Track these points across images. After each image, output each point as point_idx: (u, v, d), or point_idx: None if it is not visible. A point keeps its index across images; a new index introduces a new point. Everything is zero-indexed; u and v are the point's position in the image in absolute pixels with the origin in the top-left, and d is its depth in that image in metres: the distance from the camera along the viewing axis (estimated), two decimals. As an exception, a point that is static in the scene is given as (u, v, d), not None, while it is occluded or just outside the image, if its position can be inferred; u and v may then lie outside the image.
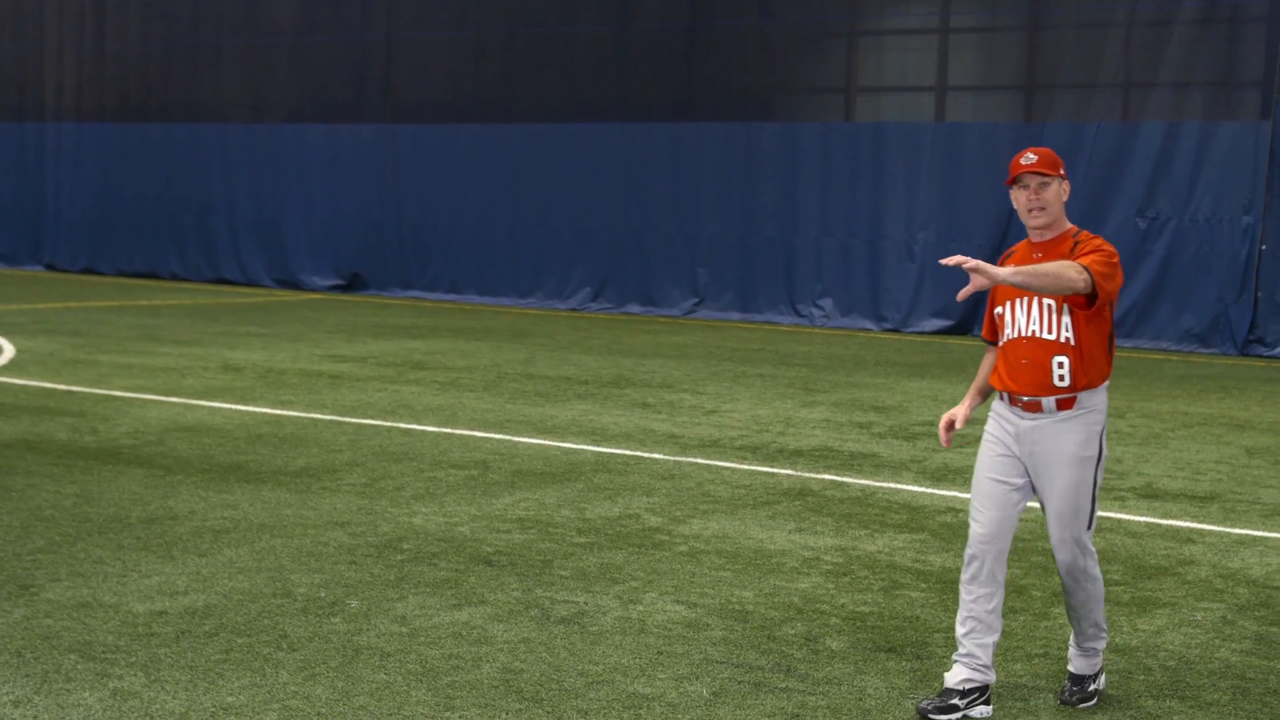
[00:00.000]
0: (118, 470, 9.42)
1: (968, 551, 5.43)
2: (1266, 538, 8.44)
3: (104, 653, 5.77)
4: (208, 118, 28.73)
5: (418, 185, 26.30)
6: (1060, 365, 5.25)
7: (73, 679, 5.47)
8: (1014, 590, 7.10)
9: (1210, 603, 7.00)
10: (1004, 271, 4.99)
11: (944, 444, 5.71)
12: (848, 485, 9.71)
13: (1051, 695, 5.62)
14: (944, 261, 4.97)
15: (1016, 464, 5.38)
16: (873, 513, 8.86)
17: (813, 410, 13.09)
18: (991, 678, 5.40)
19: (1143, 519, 8.87)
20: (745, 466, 10.23)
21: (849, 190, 22.69)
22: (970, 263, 4.88)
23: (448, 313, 23.32)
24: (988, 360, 5.68)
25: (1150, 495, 9.60)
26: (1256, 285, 19.81)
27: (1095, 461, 5.33)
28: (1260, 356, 19.52)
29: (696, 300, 23.87)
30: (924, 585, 7.16)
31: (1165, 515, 8.99)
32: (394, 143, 26.58)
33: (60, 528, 7.84)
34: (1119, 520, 8.81)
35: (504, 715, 5.23)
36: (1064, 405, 5.29)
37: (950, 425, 5.64)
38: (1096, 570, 5.44)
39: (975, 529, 5.42)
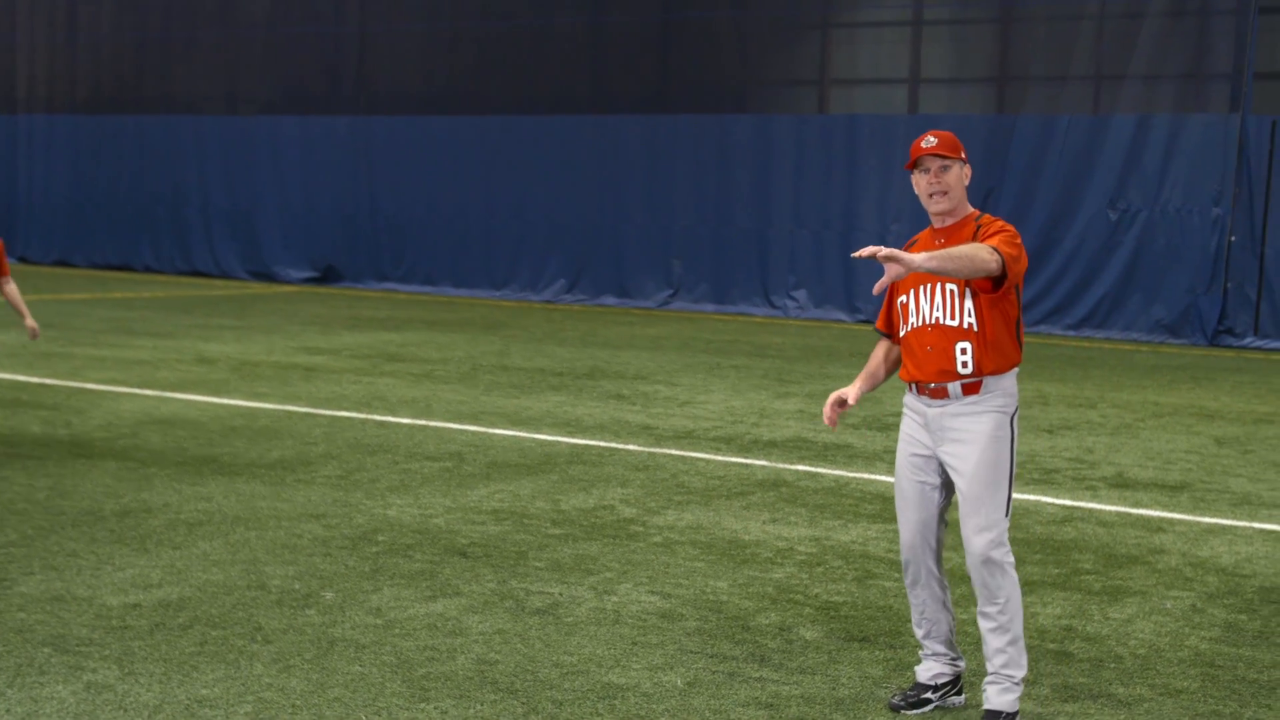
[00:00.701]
0: (91, 463, 9.40)
1: (902, 556, 5.36)
2: (1235, 526, 8.51)
3: (77, 646, 5.77)
4: (181, 110, 28.63)
5: (392, 177, 26.25)
6: (963, 352, 5.13)
7: (46, 672, 5.47)
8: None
9: (1180, 591, 7.06)
10: (918, 258, 4.86)
11: (829, 423, 5.50)
12: (821, 476, 9.75)
13: (1027, 684, 5.65)
14: (857, 254, 4.87)
15: (932, 461, 5.25)
16: (846, 503, 8.90)
17: (787, 401, 13.13)
18: (962, 666, 5.43)
19: (1114, 508, 8.93)
20: (719, 458, 10.27)
21: (823, 182, 22.75)
22: (884, 251, 4.78)
23: (422, 305, 23.29)
24: (880, 350, 5.57)
25: (1121, 485, 9.66)
26: (1226, 276, 19.93)
27: (1009, 445, 5.15)
28: (1230, 347, 19.64)
29: (671, 292, 23.90)
30: (897, 575, 7.20)
31: (1136, 504, 9.06)
32: (368, 135, 26.52)
33: (33, 521, 7.82)
34: (1090, 509, 8.88)
35: (479, 706, 5.25)
36: (970, 390, 5.15)
37: (840, 403, 5.44)
38: (1013, 572, 5.12)
39: (902, 534, 5.34)
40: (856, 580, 7.13)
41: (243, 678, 5.46)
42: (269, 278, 27.12)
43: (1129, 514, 8.80)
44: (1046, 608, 6.71)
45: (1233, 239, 19.88)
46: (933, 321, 5.20)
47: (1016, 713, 5.12)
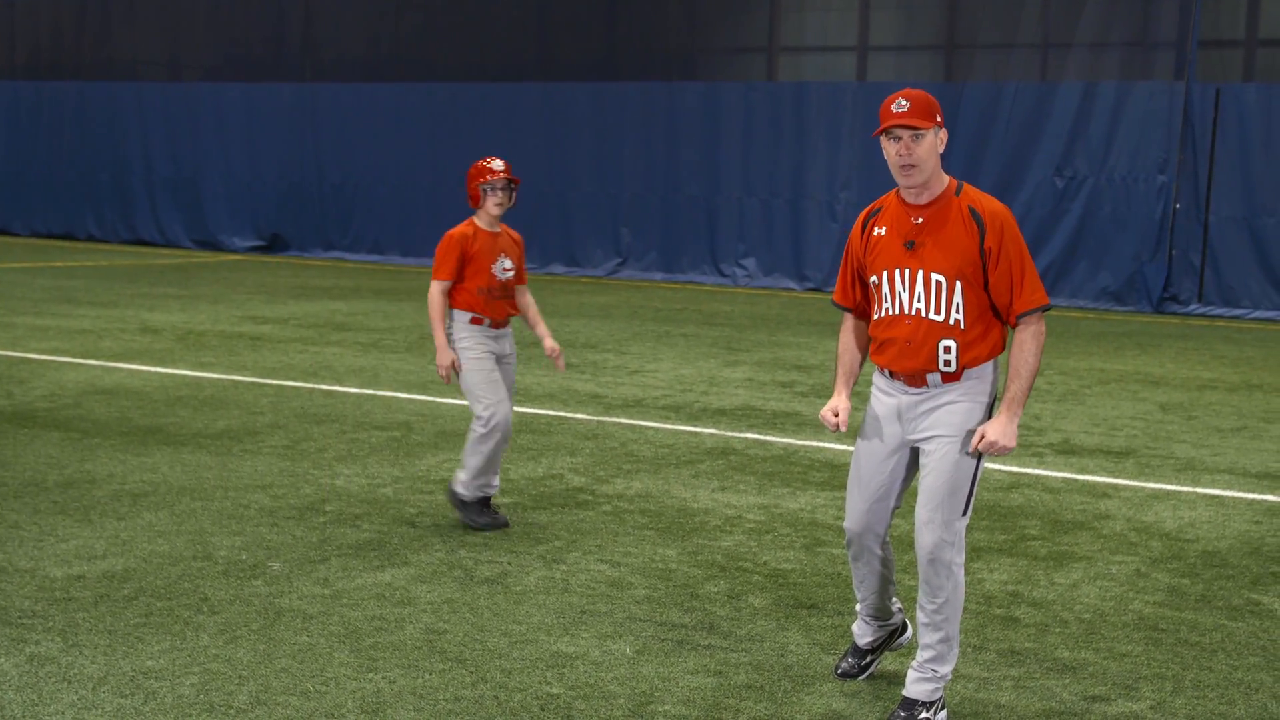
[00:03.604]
0: (34, 434, 9.29)
1: (846, 533, 5.16)
2: (1179, 491, 8.60)
3: (20, 618, 5.70)
4: (123, 75, 28.26)
5: (338, 145, 26.05)
6: (947, 350, 4.79)
7: (-11, 645, 5.40)
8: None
9: (1125, 556, 7.13)
10: (1014, 428, 4.73)
11: (841, 428, 5.02)
12: (770, 444, 9.77)
13: (973, 649, 5.69)
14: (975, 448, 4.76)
15: (897, 452, 4.97)
16: (795, 471, 8.93)
17: (736, 369, 13.14)
18: (899, 619, 5.40)
19: (1060, 474, 9.00)
20: (668, 426, 10.26)
21: (771, 150, 22.75)
22: (985, 445, 4.71)
23: (369, 274, 23.16)
24: (848, 333, 5.16)
25: (1067, 451, 9.74)
26: (1171, 244, 20.12)
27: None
28: (1174, 314, 19.83)
29: (620, 260, 23.86)
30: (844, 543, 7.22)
31: (1082, 470, 9.13)
32: (313, 102, 26.29)
33: (-25, 493, 7.72)
34: (1037, 476, 8.94)
35: (427, 676, 5.23)
36: (949, 379, 4.83)
37: (836, 414, 5.02)
38: (961, 574, 4.86)
39: (849, 515, 5.12)
40: (805, 548, 7.15)
41: (189, 649, 5.42)
42: (214, 246, 26.88)
43: (1075, 480, 8.87)
44: (993, 574, 6.75)
45: (1177, 206, 20.06)
46: (913, 313, 4.82)
47: (935, 702, 4.92)
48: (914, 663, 4.99)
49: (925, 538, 4.85)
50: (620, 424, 10.28)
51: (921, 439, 4.91)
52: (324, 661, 5.34)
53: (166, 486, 7.99)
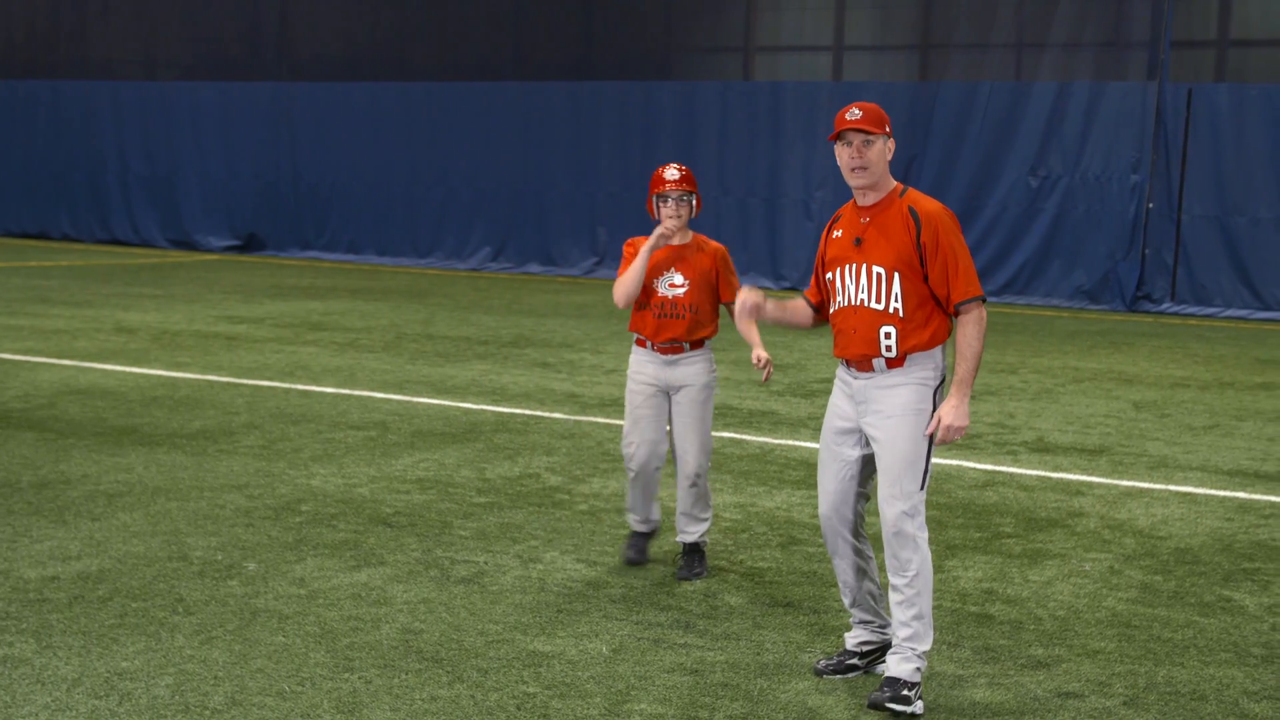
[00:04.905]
0: (7, 434, 9.25)
1: (821, 526, 5.33)
2: (1152, 489, 8.65)
3: (-5, 619, 5.69)
4: (97, 74, 28.14)
5: (314, 144, 25.99)
6: (887, 336, 5.12)
7: (-37, 646, 5.39)
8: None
9: (1098, 553, 7.17)
10: (965, 407, 5.02)
11: (746, 307, 5.44)
12: (746, 443, 9.79)
13: (948, 646, 5.72)
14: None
15: (854, 434, 5.24)
16: (771, 470, 8.95)
17: (712, 368, 13.15)
18: (889, 633, 5.45)
19: (1034, 472, 9.04)
20: (645, 425, 10.26)
21: (747, 149, 22.78)
22: (943, 432, 5.02)
23: (346, 273, 23.12)
24: (802, 303, 5.55)
25: (1041, 449, 9.78)
26: (1144, 243, 20.22)
27: (928, 418, 5.11)
28: (1148, 312, 19.93)
29: (596, 259, 23.86)
30: (821, 541, 7.24)
31: (1056, 468, 9.17)
32: (289, 101, 26.21)
33: (-52, 494, 7.69)
34: (1011, 474, 8.98)
35: (404, 675, 5.23)
36: (894, 364, 5.14)
37: (757, 307, 5.42)
38: (925, 548, 5.09)
39: (820, 505, 5.34)
40: (781, 546, 7.17)
41: (164, 649, 5.41)
42: (190, 246, 26.79)
43: (1049, 478, 8.91)
44: (968, 571, 6.79)
45: (1150, 205, 20.16)
46: (858, 303, 5.19)
47: (917, 683, 5.03)
48: (893, 645, 5.11)
49: (888, 511, 5.10)
50: (596, 423, 10.29)
51: (871, 421, 5.17)
52: (300, 662, 5.34)
53: (142, 487, 7.97)
